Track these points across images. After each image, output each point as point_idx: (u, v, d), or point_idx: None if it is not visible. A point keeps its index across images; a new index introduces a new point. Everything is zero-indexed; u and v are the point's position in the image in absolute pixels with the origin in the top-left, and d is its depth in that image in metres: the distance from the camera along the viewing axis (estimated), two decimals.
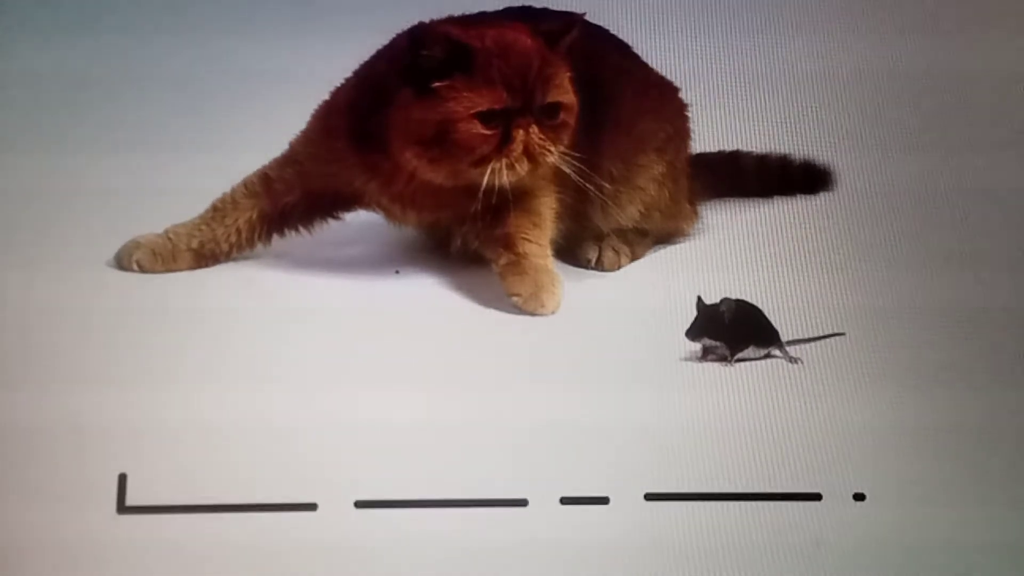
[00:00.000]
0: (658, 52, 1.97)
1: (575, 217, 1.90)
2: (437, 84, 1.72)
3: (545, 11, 1.88)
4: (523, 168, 1.75)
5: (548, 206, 1.85)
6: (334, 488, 1.52)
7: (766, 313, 1.75)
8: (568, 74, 1.77)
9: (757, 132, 2.00)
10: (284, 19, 2.08)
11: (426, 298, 1.82)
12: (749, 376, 1.70)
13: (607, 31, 1.94)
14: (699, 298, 1.74)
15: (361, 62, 1.84)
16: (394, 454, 1.55)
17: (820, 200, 2.00)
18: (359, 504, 1.52)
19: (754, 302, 1.76)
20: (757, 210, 2.02)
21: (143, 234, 1.84)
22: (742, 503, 1.55)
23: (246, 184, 1.87)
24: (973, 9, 2.09)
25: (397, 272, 1.89)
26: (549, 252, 1.84)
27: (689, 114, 1.99)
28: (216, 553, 1.47)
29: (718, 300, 1.74)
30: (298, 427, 1.57)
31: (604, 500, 1.54)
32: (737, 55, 2.02)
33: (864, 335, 1.75)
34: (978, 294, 1.82)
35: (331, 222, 1.90)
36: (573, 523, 1.52)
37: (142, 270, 1.82)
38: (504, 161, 1.73)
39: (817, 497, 1.57)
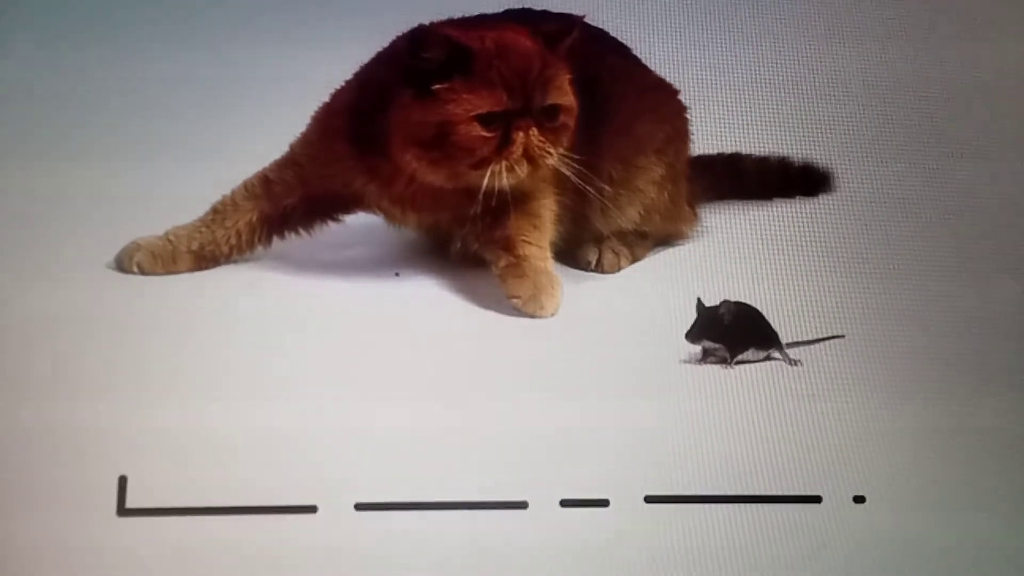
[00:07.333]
0: (657, 54, 1.97)
1: (575, 219, 1.90)
2: (437, 86, 1.72)
3: (545, 13, 1.88)
4: (523, 170, 1.75)
5: (548, 208, 1.85)
6: (334, 491, 1.52)
7: (766, 315, 1.75)
8: (568, 76, 1.77)
9: (757, 134, 2.00)
10: (285, 23, 2.08)
11: (426, 300, 1.82)
12: (749, 378, 1.70)
13: (607, 33, 1.94)
14: (699, 300, 1.74)
15: (362, 64, 1.84)
16: (394, 456, 1.55)
17: (820, 202, 1.99)
18: (359, 507, 1.51)
19: (754, 304, 1.76)
20: (757, 212, 2.02)
21: (143, 236, 1.84)
22: (742, 505, 1.55)
23: (246, 186, 1.87)
24: (972, 14, 2.09)
25: (397, 274, 1.89)
26: (549, 254, 1.84)
27: (688, 116, 1.99)
28: (216, 556, 1.47)
29: (718, 302, 1.74)
30: (298, 429, 1.57)
31: (604, 503, 1.54)
32: (736, 57, 2.01)
33: (864, 337, 1.76)
34: (977, 297, 1.82)
35: (331, 224, 1.90)
36: (573, 526, 1.52)
37: (142, 272, 1.82)
38: (504, 163, 1.73)
39: (817, 499, 1.57)
